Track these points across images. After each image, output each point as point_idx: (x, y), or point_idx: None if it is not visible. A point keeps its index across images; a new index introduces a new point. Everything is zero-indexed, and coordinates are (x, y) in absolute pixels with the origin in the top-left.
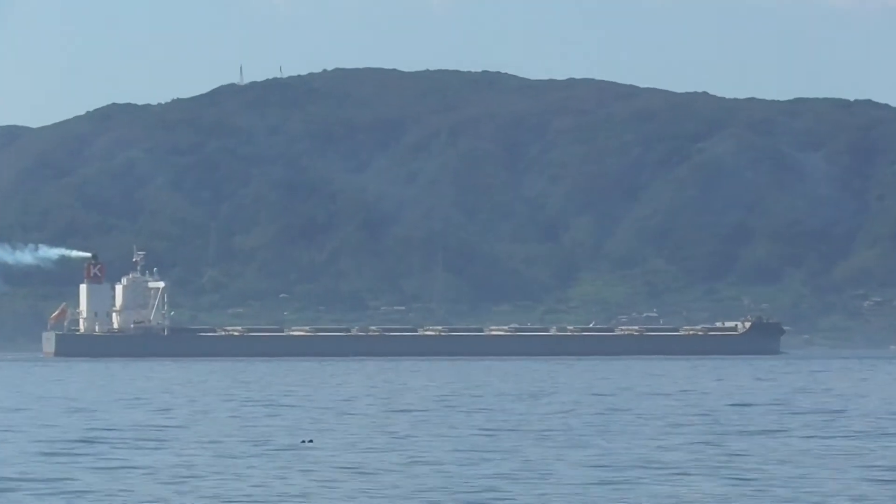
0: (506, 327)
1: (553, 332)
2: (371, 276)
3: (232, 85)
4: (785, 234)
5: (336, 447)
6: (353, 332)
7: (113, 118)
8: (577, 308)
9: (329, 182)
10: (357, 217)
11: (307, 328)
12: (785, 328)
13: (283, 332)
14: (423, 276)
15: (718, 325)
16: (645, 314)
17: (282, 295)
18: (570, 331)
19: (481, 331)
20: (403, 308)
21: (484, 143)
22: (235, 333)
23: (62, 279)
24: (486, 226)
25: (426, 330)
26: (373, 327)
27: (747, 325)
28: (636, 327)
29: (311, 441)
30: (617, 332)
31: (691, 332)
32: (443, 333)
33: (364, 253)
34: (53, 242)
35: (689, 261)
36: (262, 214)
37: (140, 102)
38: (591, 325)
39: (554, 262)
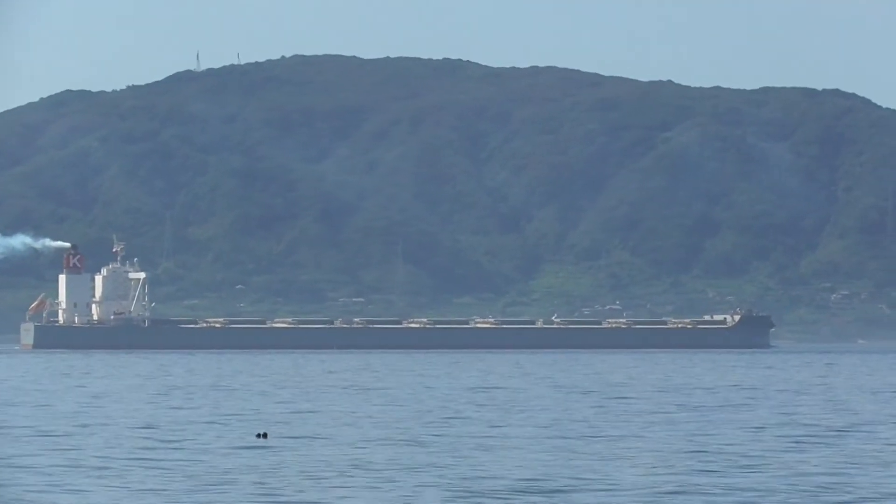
0: (492, 319)
1: (540, 324)
2: (330, 267)
3: (188, 72)
4: (751, 225)
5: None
6: (337, 324)
7: (67, 105)
8: (540, 300)
9: (287, 171)
10: (316, 207)
11: (290, 320)
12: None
13: (265, 324)
14: (382, 267)
15: (707, 318)
16: (608, 306)
17: (238, 286)
18: (557, 324)
19: (467, 323)
20: (362, 300)
21: (445, 132)
22: (217, 325)
23: (33, 270)
24: (448, 216)
25: (411, 322)
26: (356, 319)
27: (736, 318)
28: (624, 320)
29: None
30: (605, 325)
31: (680, 326)
32: (428, 326)
33: (322, 243)
34: (5, 232)
35: (653, 253)
36: (219, 204)
37: (94, 89)
38: (553, 318)
39: (516, 253)
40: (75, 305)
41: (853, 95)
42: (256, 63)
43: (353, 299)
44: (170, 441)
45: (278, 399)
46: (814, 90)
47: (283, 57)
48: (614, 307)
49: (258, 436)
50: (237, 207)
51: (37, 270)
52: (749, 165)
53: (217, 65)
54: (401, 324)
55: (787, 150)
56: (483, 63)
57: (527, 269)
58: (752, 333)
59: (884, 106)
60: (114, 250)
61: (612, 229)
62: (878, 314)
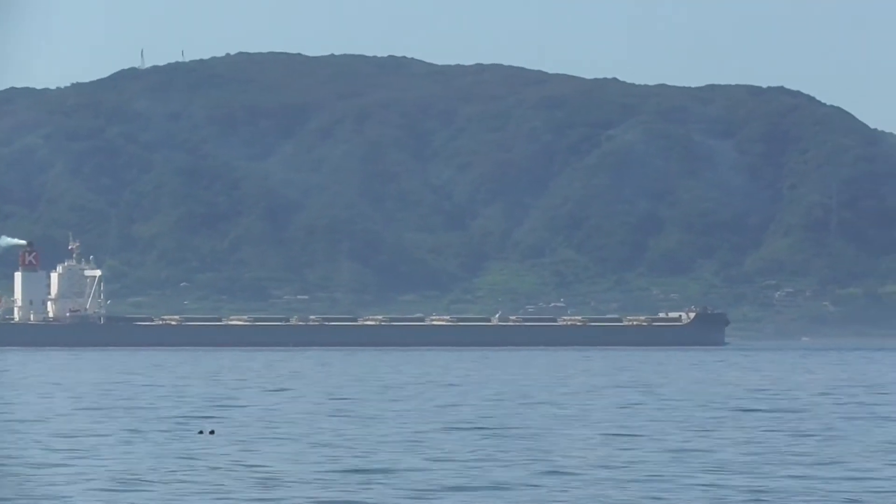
0: (447, 317)
1: (495, 321)
2: (274, 265)
3: (133, 69)
4: (696, 223)
5: None
6: (293, 321)
7: (11, 103)
8: (484, 298)
9: (231, 169)
10: (260, 205)
11: (245, 318)
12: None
13: (220, 321)
14: (327, 265)
15: (662, 315)
16: (552, 304)
17: (182, 284)
18: (513, 320)
19: (423, 320)
20: (307, 297)
21: (390, 129)
22: (173, 323)
23: None
24: (393, 214)
25: (367, 320)
26: (313, 317)
27: (692, 315)
28: (579, 317)
29: (212, 432)
30: (560, 323)
31: (635, 323)
32: (383, 323)
33: (267, 241)
34: None
35: (598, 250)
36: (163, 202)
37: (39, 87)
38: (496, 316)
39: (461, 251)
40: (31, 303)
41: (798, 93)
42: (201, 60)
43: (298, 297)
44: None
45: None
46: (759, 88)
47: (227, 54)
48: (558, 304)
49: (201, 432)
50: (182, 205)
51: None
52: (694, 163)
53: (162, 62)
54: (356, 321)
55: (732, 148)
56: (428, 60)
57: (471, 266)
58: (708, 331)
59: (828, 103)
60: (70, 248)
61: (557, 227)
62: (823, 312)
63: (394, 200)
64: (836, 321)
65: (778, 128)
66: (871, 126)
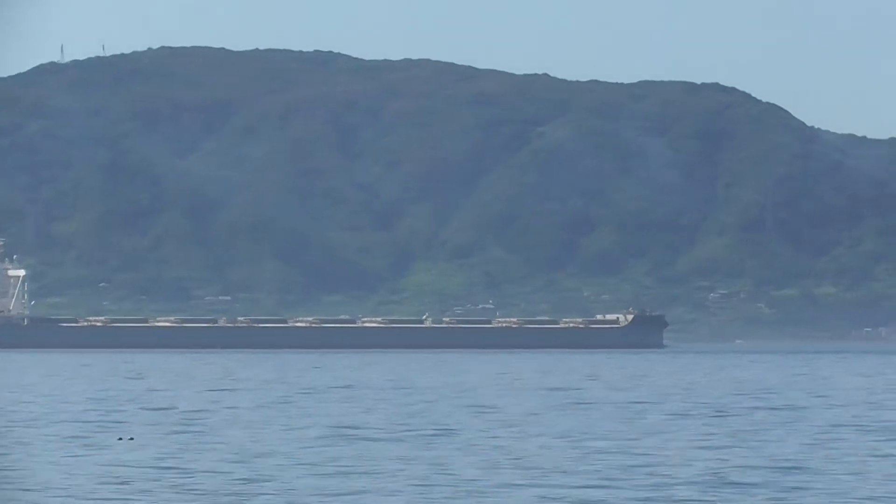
0: (379, 319)
1: (428, 324)
2: (197, 265)
3: (52, 64)
4: (628, 223)
5: None
6: (221, 322)
7: None
8: (411, 298)
9: (153, 166)
10: (182, 202)
11: (173, 319)
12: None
13: (147, 322)
14: (251, 264)
15: (599, 317)
16: (481, 305)
17: (102, 284)
18: (446, 322)
19: (354, 322)
20: (230, 298)
21: (316, 126)
22: (98, 324)
23: None
24: (318, 213)
25: (296, 321)
26: (241, 318)
27: (629, 317)
28: (514, 319)
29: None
30: (494, 325)
31: (571, 325)
32: (314, 325)
33: (189, 240)
34: None
35: (528, 250)
36: (83, 199)
37: None
38: (424, 317)
39: (389, 250)
40: None
41: (733, 90)
42: (122, 55)
43: (221, 297)
44: None
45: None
46: (693, 84)
47: (149, 48)
48: (487, 306)
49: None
50: (102, 203)
51: None
52: (626, 161)
53: (81, 56)
54: (286, 323)
55: (666, 146)
56: (355, 56)
57: (398, 266)
58: (646, 333)
59: (764, 100)
60: None
61: (486, 226)
62: (757, 313)
63: (320, 198)
64: (771, 323)
65: (712, 125)
66: (808, 123)
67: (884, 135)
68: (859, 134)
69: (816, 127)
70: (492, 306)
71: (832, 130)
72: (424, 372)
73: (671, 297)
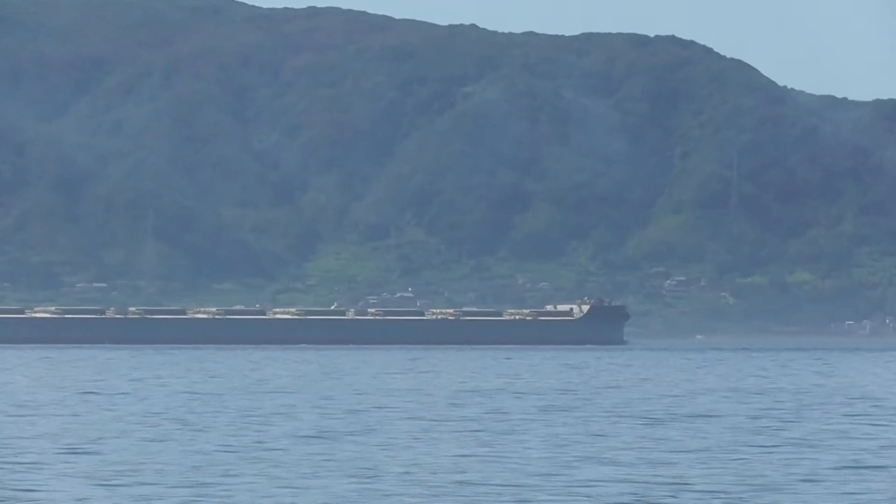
0: (293, 310)
1: (350, 315)
2: (66, 247)
3: None
4: (568, 198)
5: None
6: (110, 314)
7: None
8: (317, 286)
9: (16, 132)
10: (50, 174)
11: (53, 309)
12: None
13: (24, 314)
14: (129, 246)
15: (549, 308)
16: (398, 294)
17: None
18: (372, 314)
19: (264, 314)
20: (105, 285)
21: (205, 85)
22: None
23: None
24: (207, 186)
25: (197, 312)
26: (132, 308)
27: (585, 308)
28: (451, 311)
29: None
30: (428, 317)
31: (518, 317)
32: (217, 317)
33: (58, 218)
34: None
35: (452, 230)
36: None
37: None
38: (332, 308)
39: (290, 230)
40: None
41: (691, 43)
42: None
43: (94, 284)
44: None
45: None
46: (644, 37)
47: None
48: (406, 295)
49: None
50: None
51: None
52: (566, 126)
53: None
54: (185, 314)
55: (612, 108)
56: (250, 3)
57: (302, 249)
58: (605, 327)
59: (727, 56)
60: None
61: (404, 202)
62: (720, 304)
63: (208, 170)
64: (736, 315)
65: (666, 85)
66: (779, 83)
67: (866, 96)
68: (838, 95)
69: (788, 87)
70: (411, 295)
71: (806, 91)
72: (342, 375)
73: (620, 286)
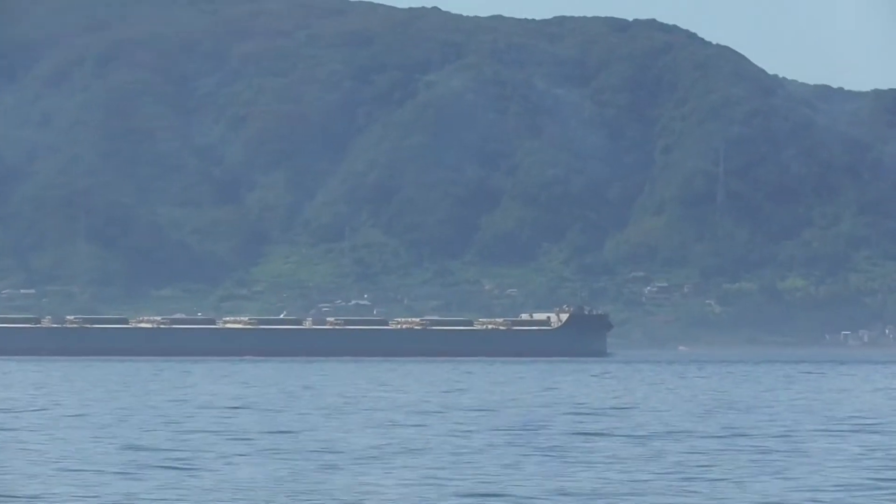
0: (245, 318)
1: (308, 325)
2: None
3: None
4: (539, 196)
5: None
6: (45, 322)
7: None
8: (265, 293)
9: None
10: None
11: None
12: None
13: None
14: (60, 249)
15: (525, 316)
16: (353, 301)
17: None
18: (332, 323)
19: (214, 323)
20: (34, 291)
21: (143, 74)
22: None
23: None
24: (145, 184)
25: (141, 322)
26: (70, 317)
27: (563, 317)
28: (417, 320)
29: None
30: (392, 326)
31: (490, 327)
32: (163, 326)
33: None
34: None
35: (413, 232)
36: None
37: None
38: (282, 316)
39: (235, 232)
40: None
41: (674, 28)
42: None
43: (22, 291)
44: None
45: None
46: (623, 21)
47: None
48: (362, 302)
49: None
50: None
51: None
52: (537, 118)
53: None
54: (128, 323)
55: (588, 99)
56: None
57: (248, 252)
58: (586, 337)
59: (714, 42)
60: None
61: (359, 201)
62: (706, 312)
63: (146, 166)
64: (723, 325)
65: (647, 73)
66: (769, 71)
67: (864, 86)
68: (834, 85)
69: (779, 75)
70: (367, 303)
71: (799, 80)
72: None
73: (596, 292)
